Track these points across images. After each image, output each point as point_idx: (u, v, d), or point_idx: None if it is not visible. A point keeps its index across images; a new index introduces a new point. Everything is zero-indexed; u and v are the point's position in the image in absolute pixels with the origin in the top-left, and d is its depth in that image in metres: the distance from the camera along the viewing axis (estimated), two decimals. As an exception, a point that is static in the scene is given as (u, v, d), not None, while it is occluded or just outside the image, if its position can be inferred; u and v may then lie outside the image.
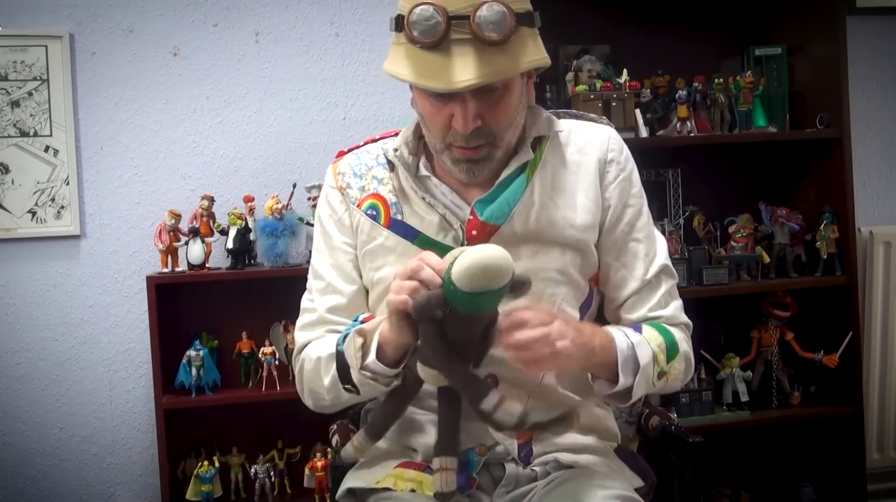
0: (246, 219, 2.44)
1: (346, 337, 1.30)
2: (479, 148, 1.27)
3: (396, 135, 1.43)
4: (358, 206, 1.39)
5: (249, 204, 2.47)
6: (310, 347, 1.41)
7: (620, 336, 1.29)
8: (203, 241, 2.39)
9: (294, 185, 2.50)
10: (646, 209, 1.41)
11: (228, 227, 2.42)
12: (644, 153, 2.58)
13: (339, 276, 1.41)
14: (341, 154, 1.47)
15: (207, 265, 2.41)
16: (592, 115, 1.48)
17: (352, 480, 1.37)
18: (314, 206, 2.45)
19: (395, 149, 1.37)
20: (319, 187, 2.44)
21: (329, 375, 1.33)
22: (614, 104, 2.39)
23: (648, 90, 2.53)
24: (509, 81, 1.25)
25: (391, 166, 1.38)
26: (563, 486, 1.26)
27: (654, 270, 1.37)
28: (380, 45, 2.65)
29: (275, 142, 2.62)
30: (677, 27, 2.68)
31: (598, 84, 2.41)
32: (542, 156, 1.33)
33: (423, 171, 1.36)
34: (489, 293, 1.09)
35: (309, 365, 1.38)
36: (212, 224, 2.42)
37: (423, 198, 1.34)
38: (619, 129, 2.33)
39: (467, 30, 1.19)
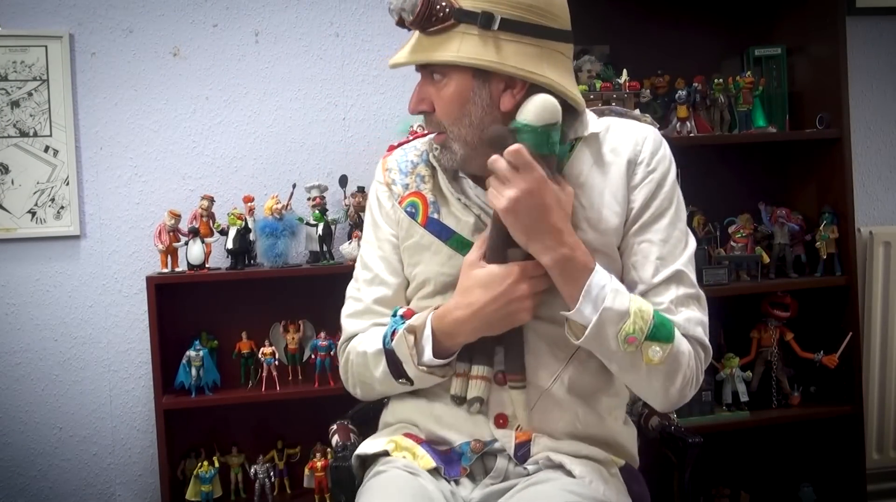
0: (246, 219, 2.44)
1: (392, 334, 1.36)
2: (438, 135, 1.36)
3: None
4: (400, 203, 1.45)
5: (249, 204, 2.47)
6: (355, 341, 1.46)
7: (604, 274, 1.26)
8: (203, 242, 2.39)
9: (294, 186, 2.51)
10: (671, 213, 1.35)
11: (228, 228, 2.42)
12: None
13: (386, 269, 1.47)
14: (392, 148, 1.53)
15: (207, 265, 2.40)
16: (636, 113, 1.47)
17: (362, 448, 1.43)
18: (314, 207, 2.46)
19: (436, 148, 1.40)
20: (319, 187, 2.47)
21: (379, 370, 1.39)
22: (614, 104, 2.39)
23: (648, 90, 2.53)
24: (448, 74, 1.30)
25: (433, 167, 1.43)
26: (533, 487, 1.26)
27: (665, 275, 1.32)
28: (379, 45, 2.65)
29: (275, 142, 2.62)
30: (677, 27, 2.68)
31: (598, 84, 2.41)
32: (569, 159, 1.35)
33: (460, 173, 1.41)
34: (546, 131, 1.24)
35: (358, 358, 1.44)
36: (211, 224, 2.42)
37: (459, 199, 1.39)
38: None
39: None
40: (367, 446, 1.42)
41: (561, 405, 1.34)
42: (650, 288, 1.32)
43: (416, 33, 1.31)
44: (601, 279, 1.25)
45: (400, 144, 1.53)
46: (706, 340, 1.33)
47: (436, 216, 1.40)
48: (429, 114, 1.34)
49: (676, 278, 1.32)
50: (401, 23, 1.31)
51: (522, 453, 1.33)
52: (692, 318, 1.31)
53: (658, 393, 1.31)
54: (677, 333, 1.27)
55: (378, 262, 1.47)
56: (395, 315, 1.40)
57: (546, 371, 1.34)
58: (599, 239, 1.32)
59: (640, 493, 1.40)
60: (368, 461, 1.41)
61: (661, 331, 1.25)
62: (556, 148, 1.27)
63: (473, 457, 1.34)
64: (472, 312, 1.29)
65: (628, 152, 1.35)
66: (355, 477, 1.43)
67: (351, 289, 1.52)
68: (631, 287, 1.32)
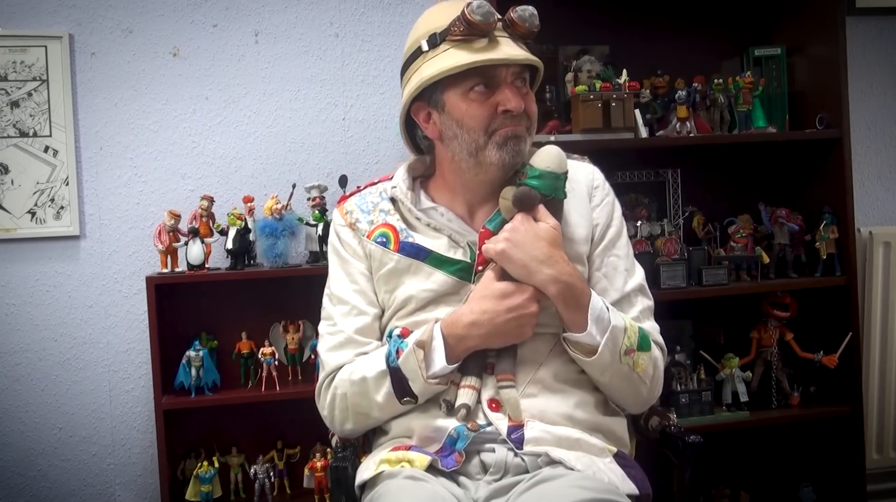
0: (245, 219, 2.44)
1: (395, 353, 1.40)
2: (521, 125, 1.44)
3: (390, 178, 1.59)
4: (368, 237, 1.51)
5: (249, 204, 2.47)
6: (343, 373, 1.47)
7: (596, 295, 1.41)
8: (203, 242, 2.39)
9: (293, 186, 2.51)
10: (626, 235, 1.56)
11: (228, 228, 2.42)
12: (644, 153, 2.61)
13: (363, 300, 1.52)
14: (344, 198, 1.61)
15: (207, 265, 2.40)
16: (576, 156, 1.62)
17: (359, 475, 1.44)
18: (314, 207, 2.46)
19: (394, 187, 1.53)
20: (319, 187, 2.47)
21: (382, 392, 1.42)
22: (614, 104, 2.39)
23: (648, 90, 2.53)
24: (528, 83, 1.48)
25: (394, 202, 1.52)
26: (542, 485, 1.27)
27: (632, 286, 1.51)
28: (379, 46, 2.65)
29: (274, 142, 2.62)
30: (677, 27, 2.68)
31: (598, 84, 2.40)
32: None
33: (427, 203, 1.51)
34: (563, 175, 1.42)
35: (352, 387, 1.45)
36: (211, 224, 2.42)
37: (429, 225, 1.48)
38: (618, 130, 2.39)
39: (502, 27, 1.43)
40: (362, 473, 1.43)
41: (550, 390, 1.41)
42: (623, 296, 1.49)
43: (501, 39, 1.41)
44: (597, 300, 1.41)
45: (352, 194, 1.61)
46: (664, 344, 1.52)
47: (409, 240, 1.48)
48: (521, 112, 1.43)
49: (642, 291, 1.52)
50: (487, 28, 1.39)
51: (517, 437, 1.35)
52: (654, 328, 1.51)
53: (639, 397, 1.48)
54: (651, 340, 1.46)
55: (354, 295, 1.52)
56: (390, 336, 1.44)
57: (529, 364, 1.42)
58: (573, 248, 1.47)
59: (639, 478, 1.41)
60: (367, 485, 1.40)
61: (644, 341, 1.44)
62: (565, 192, 1.44)
63: (470, 436, 1.36)
64: (487, 319, 1.37)
65: (584, 180, 1.54)
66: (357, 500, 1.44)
67: (324, 327, 1.54)
68: (603, 294, 1.47)
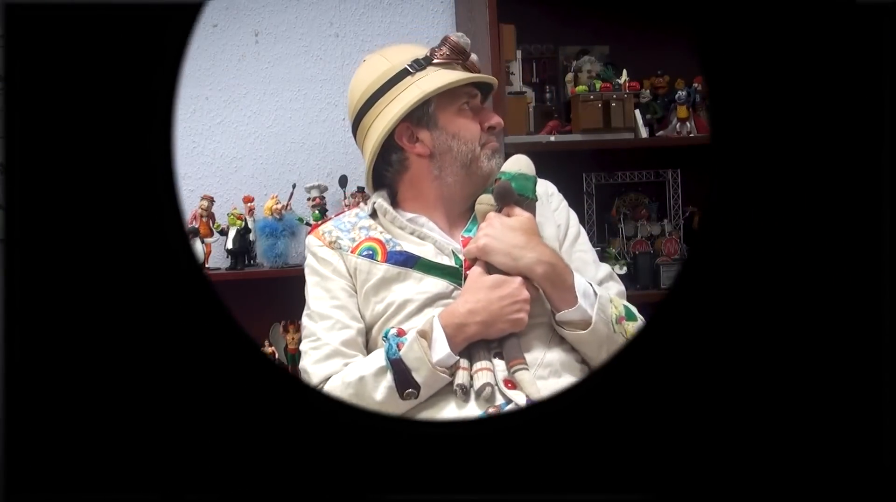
0: (245, 219, 2.44)
1: (395, 347, 1.40)
2: (498, 141, 1.61)
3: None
4: (352, 253, 1.53)
5: (249, 204, 2.47)
6: (334, 380, 1.46)
7: (579, 276, 1.47)
8: (202, 242, 2.38)
9: (294, 186, 2.51)
10: (586, 237, 1.66)
11: (228, 228, 2.42)
12: (644, 153, 2.61)
13: (346, 315, 1.51)
14: (315, 226, 1.67)
15: (207, 265, 2.40)
16: None
17: None
18: (314, 207, 2.45)
19: (374, 202, 1.59)
20: (319, 187, 2.47)
21: (381, 389, 1.40)
22: (614, 105, 2.38)
23: (648, 91, 2.53)
24: None
25: (374, 218, 1.59)
26: None
27: (603, 274, 1.58)
28: (379, 46, 2.61)
29: (274, 142, 2.62)
30: (677, 27, 2.67)
31: (598, 85, 2.40)
32: None
33: (409, 214, 1.58)
34: (533, 178, 1.53)
35: (347, 390, 1.43)
36: (211, 224, 2.42)
37: (413, 233, 1.53)
38: (618, 130, 2.39)
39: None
40: None
41: (557, 374, 1.44)
42: (598, 282, 1.54)
43: (463, 72, 1.55)
44: (579, 277, 1.47)
45: (323, 222, 1.67)
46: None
47: (397, 248, 1.52)
48: (500, 128, 1.60)
49: (612, 277, 1.61)
50: (468, 54, 1.56)
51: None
52: (634, 308, 1.58)
53: None
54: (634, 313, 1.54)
55: (335, 311, 1.51)
56: (386, 336, 1.43)
57: (535, 350, 1.45)
58: (548, 243, 1.53)
59: None
60: None
61: (629, 311, 1.51)
62: (536, 195, 1.55)
63: None
64: (482, 306, 1.40)
65: (540, 191, 1.62)
66: None
67: (307, 344, 1.53)
68: None
